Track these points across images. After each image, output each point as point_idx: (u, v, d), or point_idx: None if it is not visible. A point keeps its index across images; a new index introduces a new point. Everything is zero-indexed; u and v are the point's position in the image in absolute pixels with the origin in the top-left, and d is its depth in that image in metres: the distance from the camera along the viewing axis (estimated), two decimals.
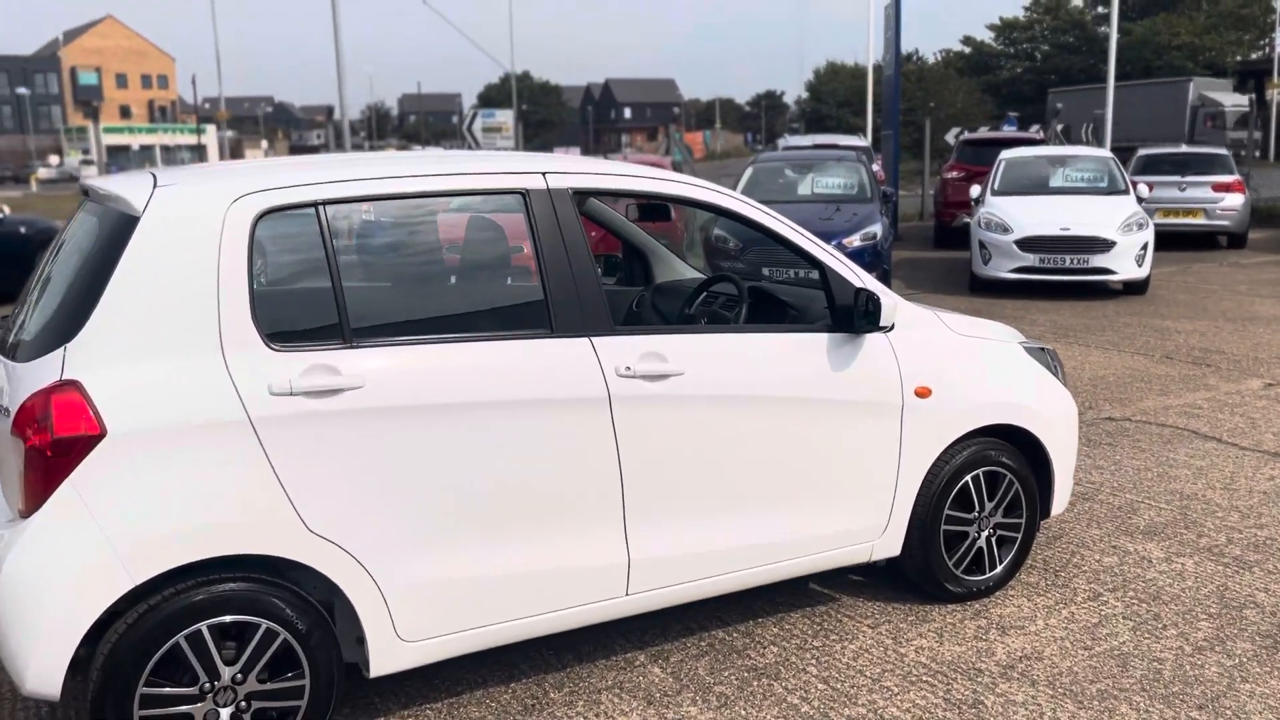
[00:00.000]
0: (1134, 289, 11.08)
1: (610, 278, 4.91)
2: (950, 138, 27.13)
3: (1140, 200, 11.45)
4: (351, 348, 2.76)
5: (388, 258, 3.24)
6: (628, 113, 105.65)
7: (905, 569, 3.73)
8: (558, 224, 3.06)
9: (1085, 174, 12.01)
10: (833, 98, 55.03)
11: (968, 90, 47.98)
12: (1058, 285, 11.17)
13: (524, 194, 3.06)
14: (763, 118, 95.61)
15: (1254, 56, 45.59)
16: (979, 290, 11.44)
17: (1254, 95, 33.56)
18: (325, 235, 2.77)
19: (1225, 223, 14.91)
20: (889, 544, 3.61)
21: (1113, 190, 11.68)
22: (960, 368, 3.67)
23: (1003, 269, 10.93)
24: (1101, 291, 11.26)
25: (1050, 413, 3.86)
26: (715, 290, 4.04)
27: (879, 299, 3.33)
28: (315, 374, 2.69)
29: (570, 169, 3.17)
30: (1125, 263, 10.64)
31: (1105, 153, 12.54)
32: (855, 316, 3.40)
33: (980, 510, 3.75)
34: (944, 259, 14.69)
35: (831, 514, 3.46)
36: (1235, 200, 14.88)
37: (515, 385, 2.91)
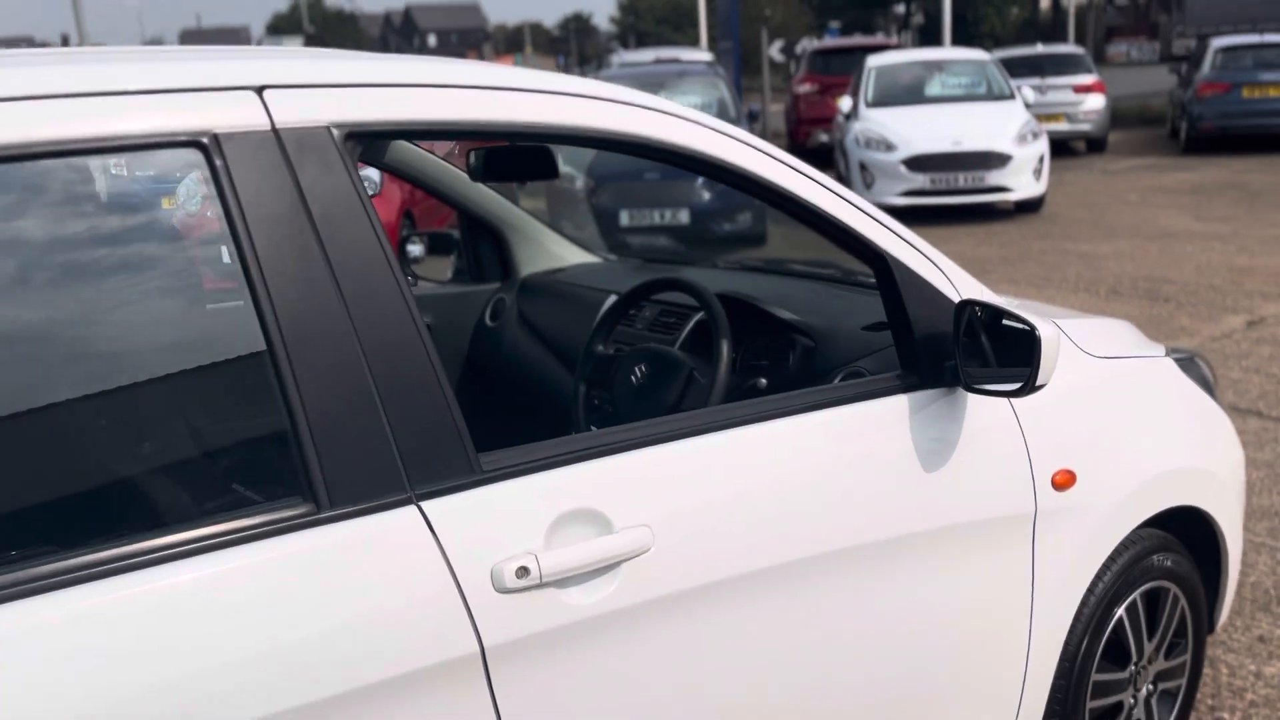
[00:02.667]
0: (1027, 207, 9.90)
1: (436, 260, 3.03)
2: (775, 52, 25.89)
3: (1028, 106, 10.24)
4: None
5: None
6: (432, 40, 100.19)
7: None
8: (308, 218, 1.19)
9: (963, 79, 10.70)
10: (650, 14, 52.97)
11: (785, 2, 46.92)
12: (946, 208, 9.86)
13: (205, 145, 1.15)
14: (572, 40, 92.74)
15: None
16: None
17: None
18: None
19: (1087, 126, 14.07)
20: None
21: (996, 96, 10.42)
22: (1111, 422, 2.02)
23: (889, 193, 9.51)
24: (992, 213, 10.02)
25: (1223, 470, 2.27)
26: (655, 299, 2.25)
27: (1034, 330, 1.61)
28: None
29: (329, 77, 1.27)
30: (1023, 178, 9.42)
31: (983, 54, 11.27)
32: (960, 364, 1.68)
33: (1138, 658, 2.15)
34: None
35: None
36: (1097, 102, 14.04)
37: (228, 685, 1.06)
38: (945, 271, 1.79)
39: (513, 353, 2.67)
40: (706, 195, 8.14)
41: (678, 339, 2.22)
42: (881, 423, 1.66)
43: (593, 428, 2.10)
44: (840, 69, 13.94)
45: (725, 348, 1.83)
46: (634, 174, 7.97)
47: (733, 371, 1.84)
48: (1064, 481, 1.88)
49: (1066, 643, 1.96)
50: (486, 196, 2.79)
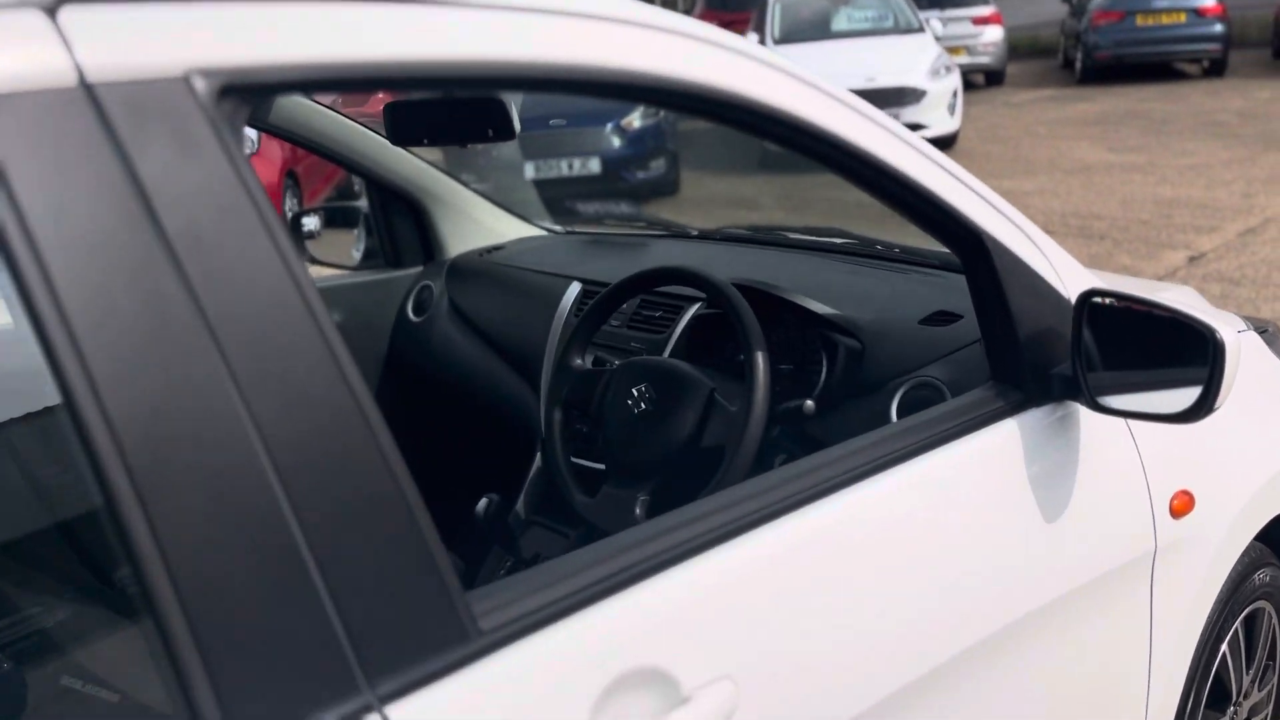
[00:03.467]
0: (940, 144, 9.59)
1: (335, 237, 2.49)
2: None
3: (938, 39, 9.94)
4: None
5: None
6: None
7: None
8: (160, 242, 0.66)
9: (869, 12, 10.32)
10: None
11: None
12: None
13: None
14: None
15: None
16: (775, 167, 9.59)
17: None
18: None
19: (987, 59, 13.93)
20: None
21: (904, 29, 10.08)
22: (1221, 421, 1.63)
23: None
24: None
25: None
26: (651, 295, 1.77)
27: (1214, 334, 1.19)
28: None
29: None
30: (937, 114, 9.13)
31: None
32: (1083, 375, 1.26)
33: (1237, 694, 1.80)
34: (710, 129, 12.77)
35: None
36: (995, 34, 13.89)
37: None
38: (1049, 255, 1.36)
39: (446, 357, 2.15)
40: (616, 142, 7.62)
41: (668, 339, 1.74)
42: (994, 463, 1.24)
43: (571, 458, 1.62)
44: (739, 5, 13.41)
45: (761, 363, 1.36)
46: (538, 121, 7.38)
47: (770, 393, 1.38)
48: (1182, 506, 1.49)
49: (1181, 697, 1.59)
50: (397, 158, 2.25)
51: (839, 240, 2.00)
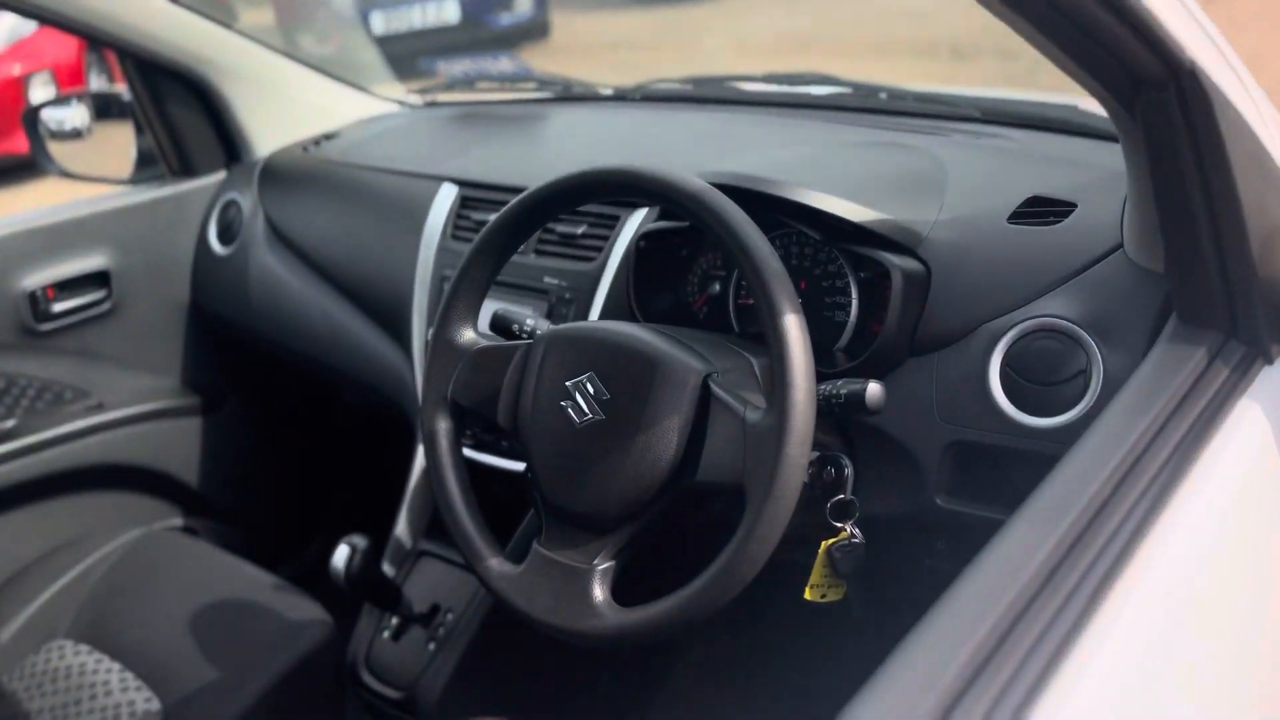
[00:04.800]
0: None
1: (109, 130, 1.76)
2: None
3: None
4: None
5: None
6: None
7: None
8: None
9: None
10: None
11: None
12: None
13: None
14: None
15: None
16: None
17: None
18: None
19: None
20: None
21: None
22: None
23: None
24: None
25: None
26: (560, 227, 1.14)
27: None
28: None
29: None
30: None
31: None
32: None
33: None
34: None
35: None
36: None
37: None
38: (1262, 109, 0.80)
39: (270, 305, 1.49)
40: None
41: (603, 267, 1.13)
42: (1254, 469, 0.73)
43: (467, 452, 1.01)
44: None
45: (798, 337, 0.77)
46: None
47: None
48: None
49: None
50: (153, 13, 1.51)
51: (824, 90, 1.38)
